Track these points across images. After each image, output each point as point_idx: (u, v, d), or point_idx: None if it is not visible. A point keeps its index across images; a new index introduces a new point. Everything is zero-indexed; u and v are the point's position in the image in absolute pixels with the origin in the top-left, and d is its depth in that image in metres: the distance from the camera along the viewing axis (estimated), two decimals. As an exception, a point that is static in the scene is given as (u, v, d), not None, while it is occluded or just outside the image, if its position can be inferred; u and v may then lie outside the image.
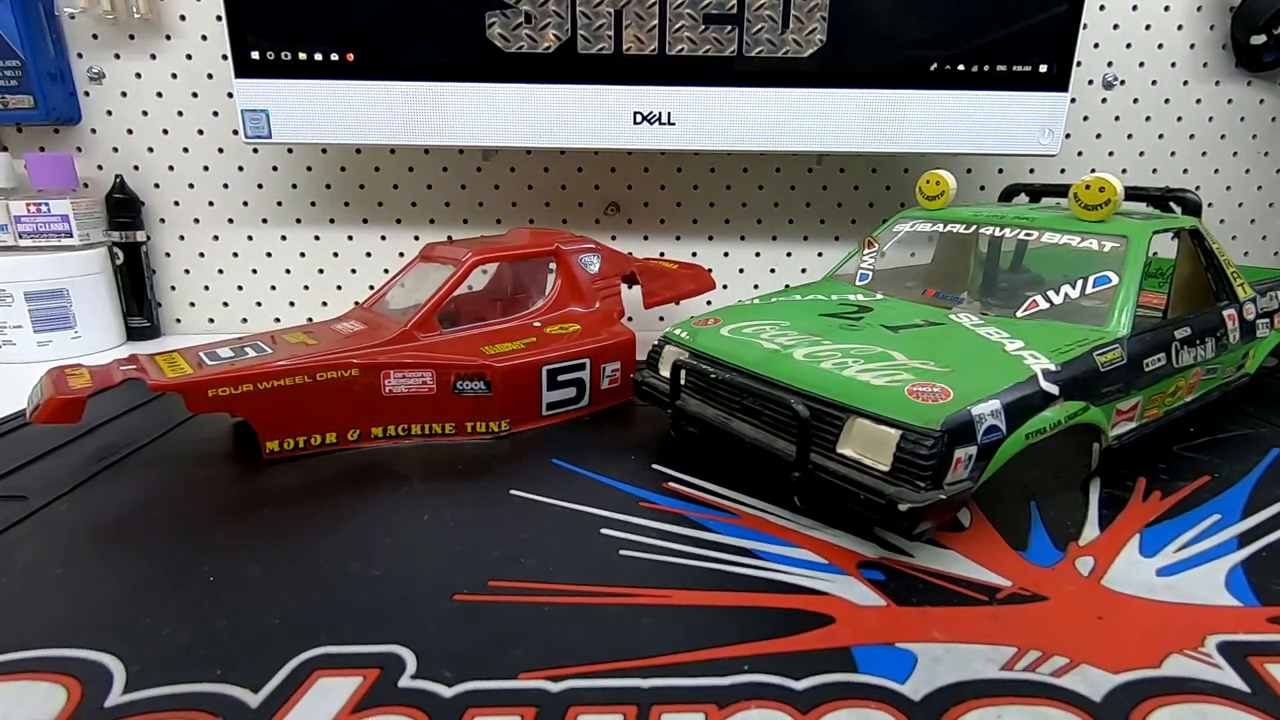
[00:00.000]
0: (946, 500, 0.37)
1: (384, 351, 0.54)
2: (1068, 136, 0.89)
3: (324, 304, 0.90)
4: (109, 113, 0.82)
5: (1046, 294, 0.50)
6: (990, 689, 0.30)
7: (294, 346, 0.54)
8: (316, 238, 0.88)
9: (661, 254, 0.91)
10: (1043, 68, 0.74)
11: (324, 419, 0.52)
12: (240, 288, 0.89)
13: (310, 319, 0.89)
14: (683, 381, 0.51)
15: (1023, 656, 0.31)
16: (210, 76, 0.82)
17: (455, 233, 0.89)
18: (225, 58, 0.73)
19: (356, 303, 0.61)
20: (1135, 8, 0.85)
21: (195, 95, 0.82)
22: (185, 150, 0.84)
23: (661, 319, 0.93)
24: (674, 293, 0.76)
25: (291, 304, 0.90)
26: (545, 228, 0.70)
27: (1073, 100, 0.79)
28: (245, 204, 0.87)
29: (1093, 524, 0.43)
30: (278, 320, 0.90)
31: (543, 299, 0.66)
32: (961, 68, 0.74)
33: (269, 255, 0.89)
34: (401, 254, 0.88)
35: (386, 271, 0.62)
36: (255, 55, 0.71)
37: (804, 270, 0.93)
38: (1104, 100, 0.88)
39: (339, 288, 0.90)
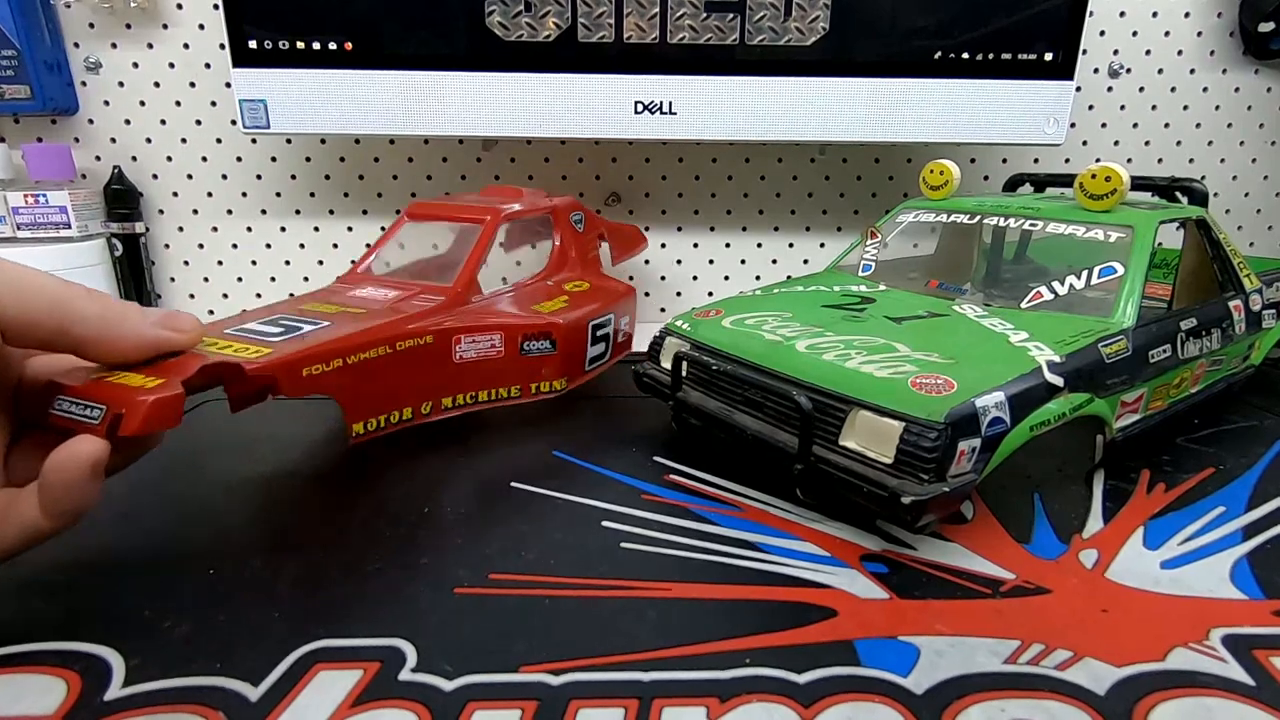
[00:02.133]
0: (950, 493, 0.36)
1: (449, 315, 0.51)
2: (1073, 126, 0.88)
3: (324, 295, 0.90)
4: (106, 103, 0.82)
5: (1051, 285, 0.49)
6: (993, 682, 0.29)
7: (341, 317, 0.48)
8: (316, 229, 0.88)
9: (663, 245, 0.91)
10: (1048, 56, 0.73)
11: (404, 393, 0.49)
12: (240, 279, 0.89)
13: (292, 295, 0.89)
14: (684, 373, 0.51)
15: (1026, 650, 0.31)
16: (208, 66, 0.81)
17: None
18: (223, 47, 0.72)
19: (339, 279, 0.58)
20: (1142, -5, 0.84)
21: (193, 85, 0.82)
22: (183, 141, 0.84)
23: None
24: (631, 249, 0.79)
25: (291, 295, 0.90)
26: (519, 186, 0.68)
27: (1078, 89, 0.78)
28: (244, 195, 0.86)
29: (1096, 516, 0.43)
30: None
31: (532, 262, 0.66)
32: (966, 56, 0.73)
33: (268, 246, 0.88)
34: (402, 246, 0.87)
35: (388, 265, 0.61)
36: (253, 44, 0.70)
37: (806, 261, 0.93)
38: (1109, 89, 0.87)
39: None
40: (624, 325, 0.63)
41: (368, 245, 0.86)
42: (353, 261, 0.61)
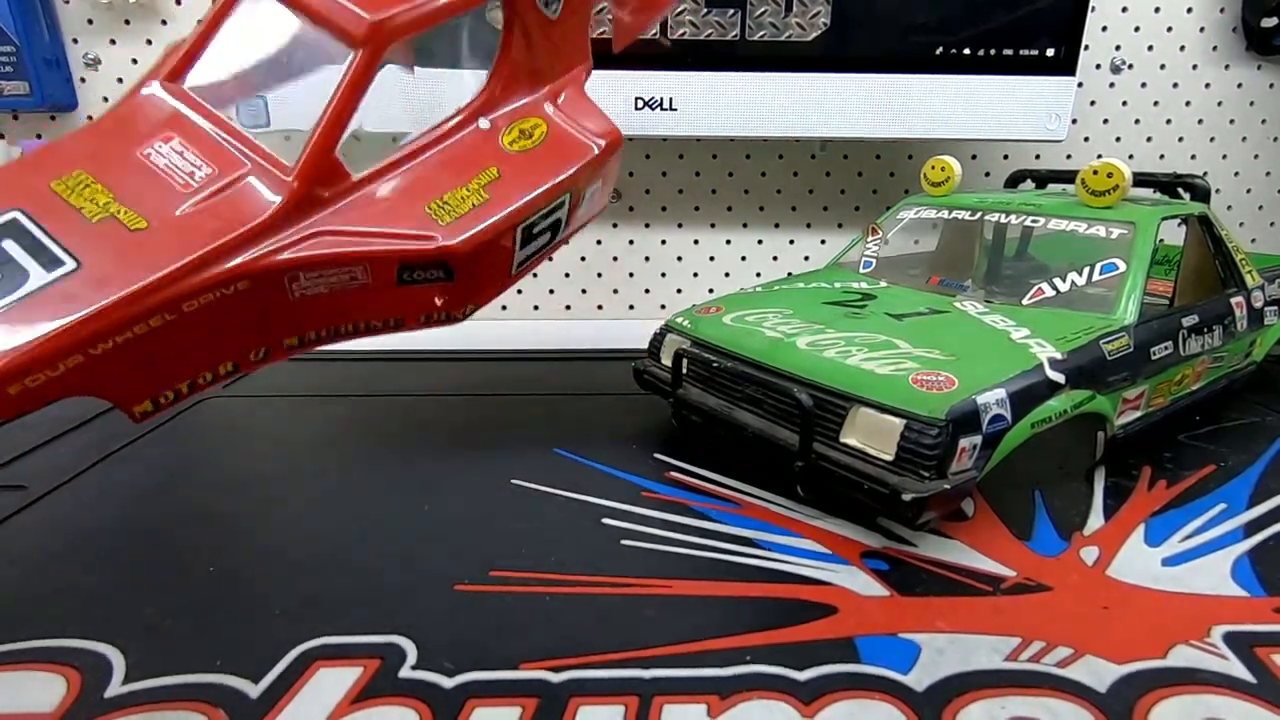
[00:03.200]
0: (951, 490, 0.36)
1: (277, 242, 0.35)
2: (1074, 122, 0.87)
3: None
4: (105, 99, 0.81)
5: (1053, 281, 0.49)
6: (994, 680, 0.29)
7: (106, 238, 0.32)
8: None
9: (663, 241, 0.91)
10: (1049, 52, 0.73)
11: (208, 355, 0.35)
12: (240, 276, 0.89)
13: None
14: (685, 370, 0.51)
15: (1027, 647, 0.31)
16: (207, 62, 0.81)
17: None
18: (222, 43, 0.72)
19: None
20: (1144, -10, 0.84)
21: (192, 81, 0.82)
22: (183, 137, 0.84)
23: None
24: (651, 13, 0.56)
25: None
26: None
27: (1080, 85, 0.78)
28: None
29: (1097, 514, 0.43)
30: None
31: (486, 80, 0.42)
32: (967, 52, 0.73)
33: (268, 243, 0.88)
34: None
35: (229, 75, 0.42)
36: (252, 40, 0.70)
37: (807, 258, 0.93)
38: (1111, 85, 0.87)
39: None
40: (591, 193, 0.44)
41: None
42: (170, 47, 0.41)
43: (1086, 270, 0.48)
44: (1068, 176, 0.60)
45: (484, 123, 0.42)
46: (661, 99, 0.73)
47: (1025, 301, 0.49)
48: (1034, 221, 0.54)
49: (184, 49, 0.40)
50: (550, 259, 0.48)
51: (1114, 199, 0.52)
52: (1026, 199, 0.57)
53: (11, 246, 0.29)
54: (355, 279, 0.37)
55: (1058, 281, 0.49)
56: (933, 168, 0.63)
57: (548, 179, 0.41)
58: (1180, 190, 0.59)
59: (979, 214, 0.57)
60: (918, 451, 0.37)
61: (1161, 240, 0.52)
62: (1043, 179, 0.69)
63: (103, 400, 0.33)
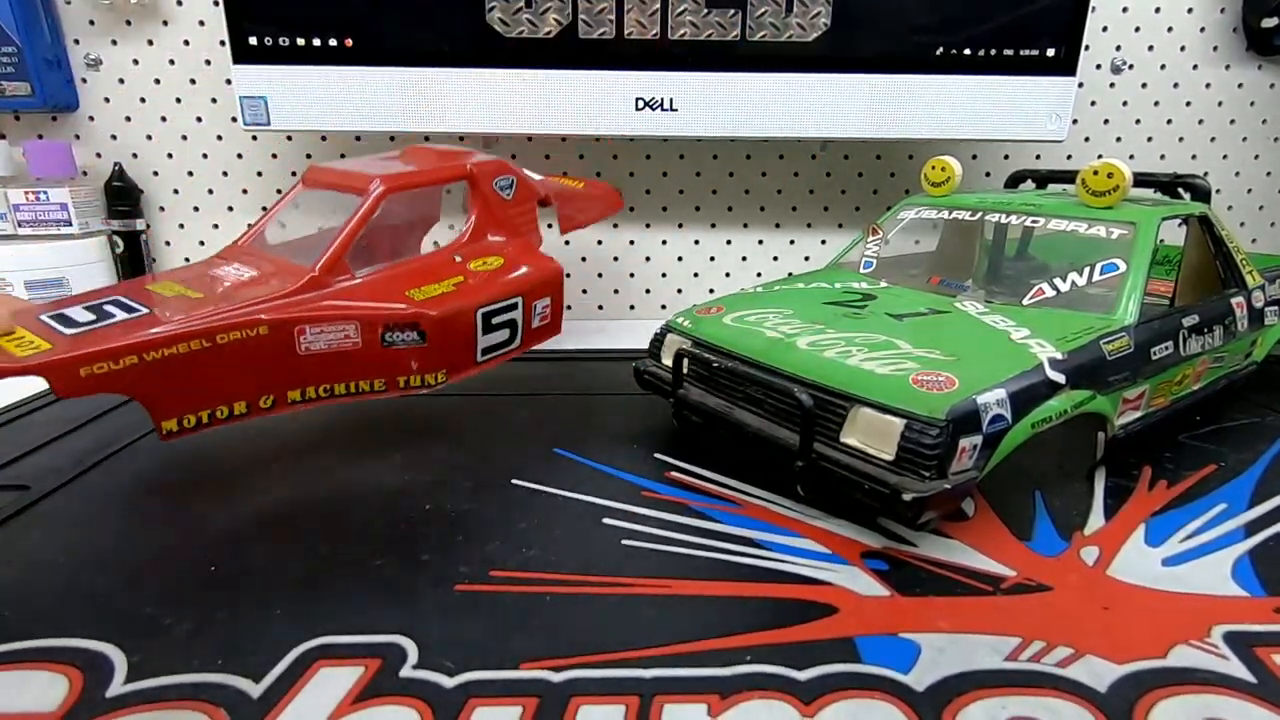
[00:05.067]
0: (951, 490, 0.36)
1: (295, 303, 0.46)
2: (1075, 122, 0.87)
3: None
4: (106, 100, 0.82)
5: (1053, 281, 0.49)
6: (994, 679, 0.29)
7: (173, 302, 0.45)
8: (319, 227, 0.88)
9: (664, 241, 0.91)
10: (1050, 52, 0.73)
11: (229, 388, 0.45)
12: (241, 276, 0.89)
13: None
14: (685, 370, 0.51)
15: (1027, 647, 0.31)
16: (208, 63, 0.81)
17: (458, 221, 0.88)
18: (223, 44, 0.72)
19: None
20: (1145, -10, 0.84)
21: (193, 82, 0.82)
22: (184, 138, 0.84)
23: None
24: (587, 216, 0.73)
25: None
26: (452, 146, 0.65)
27: (1080, 85, 0.78)
28: (245, 192, 0.86)
29: (1098, 513, 0.43)
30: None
31: (439, 232, 0.61)
32: (968, 52, 0.73)
33: (269, 244, 0.88)
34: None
35: (284, 230, 0.56)
36: (253, 41, 0.70)
37: (807, 258, 0.93)
38: (1112, 85, 0.87)
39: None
40: (541, 309, 0.57)
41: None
42: (249, 225, 0.57)
43: (1087, 270, 0.48)
44: (1068, 177, 0.60)
45: (456, 257, 0.57)
46: (662, 99, 0.73)
47: (1026, 302, 0.49)
48: (1034, 222, 0.54)
49: (253, 230, 0.57)
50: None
51: (1114, 199, 0.52)
52: (1027, 199, 0.57)
53: (110, 307, 0.44)
54: (349, 337, 0.48)
55: (1058, 282, 0.49)
56: (933, 168, 0.63)
57: (501, 286, 0.55)
58: (1180, 190, 0.59)
59: (979, 214, 0.57)
60: (918, 451, 0.37)
61: (1162, 240, 0.52)
62: (1043, 179, 0.69)
63: (142, 407, 0.42)
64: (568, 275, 0.84)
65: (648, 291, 0.92)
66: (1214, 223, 0.54)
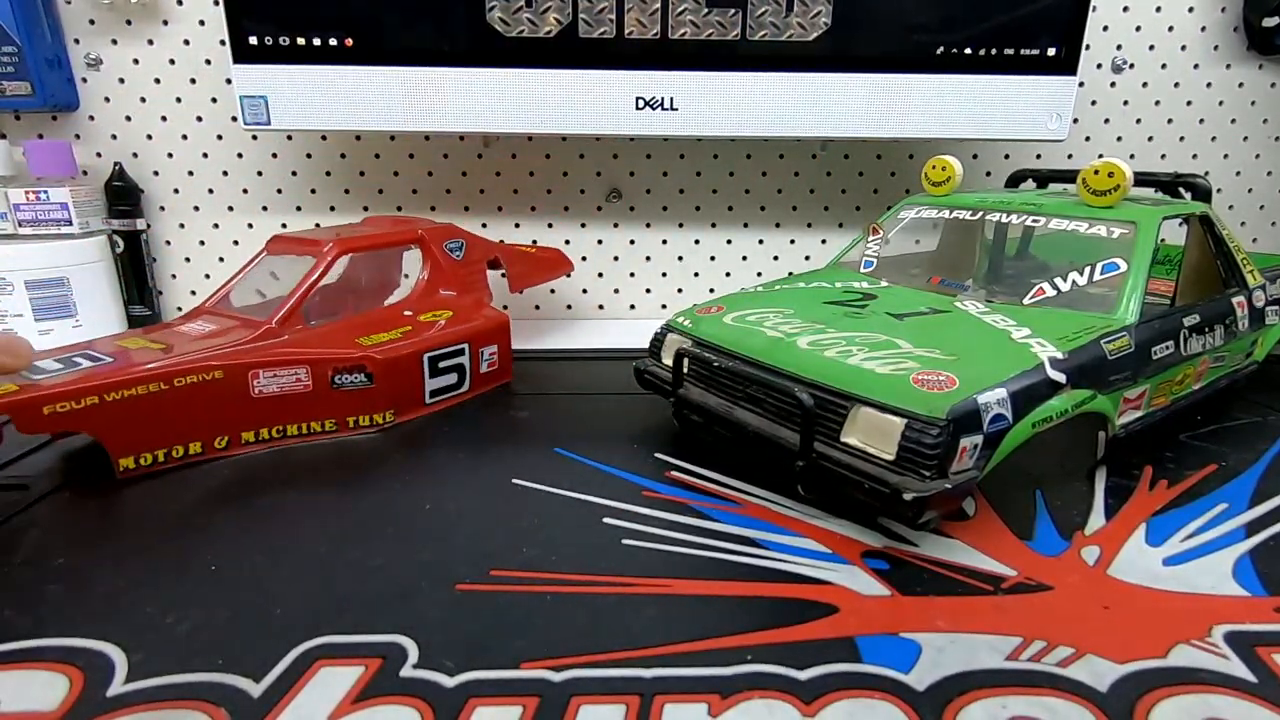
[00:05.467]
0: (952, 489, 0.36)
1: (249, 350, 0.50)
2: (1075, 121, 0.87)
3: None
4: (107, 99, 0.82)
5: (1054, 281, 0.49)
6: (995, 679, 0.29)
7: (136, 352, 0.49)
8: (317, 225, 0.88)
9: (664, 241, 0.91)
10: (1050, 51, 0.73)
11: (184, 428, 0.48)
12: (241, 276, 0.89)
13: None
14: (685, 370, 0.51)
15: (1028, 646, 0.31)
16: (208, 62, 0.81)
17: (458, 220, 0.88)
18: (223, 43, 0.72)
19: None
20: (1145, -11, 0.84)
21: (193, 81, 0.82)
22: (184, 137, 0.84)
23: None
24: (539, 275, 0.79)
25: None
26: (407, 215, 0.70)
27: (1081, 84, 0.78)
28: (245, 191, 0.86)
29: (1099, 513, 0.43)
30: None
31: (408, 288, 0.65)
32: (968, 51, 0.73)
33: (270, 243, 0.88)
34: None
35: (263, 296, 0.60)
36: (253, 40, 0.70)
37: (808, 258, 0.93)
38: (1113, 84, 0.87)
39: (340, 276, 0.89)
40: (489, 355, 0.62)
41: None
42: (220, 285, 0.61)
43: (1088, 270, 0.48)
44: (1069, 176, 0.60)
45: (407, 312, 0.62)
46: (662, 99, 0.73)
47: (1026, 301, 0.49)
48: (1035, 221, 0.54)
49: (217, 293, 0.60)
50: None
51: (1115, 198, 0.52)
52: (1027, 198, 0.57)
53: (79, 358, 0.48)
54: (300, 380, 0.51)
55: (1059, 281, 0.49)
56: (934, 167, 0.63)
57: (447, 334, 0.59)
58: (1181, 190, 0.58)
59: (980, 213, 0.57)
60: (918, 451, 0.37)
61: (1163, 240, 0.52)
62: (1044, 179, 0.69)
63: (101, 445, 0.45)
64: (566, 275, 0.84)
65: (648, 291, 0.92)
66: (1215, 222, 0.54)
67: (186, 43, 0.80)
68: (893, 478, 0.37)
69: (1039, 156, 0.90)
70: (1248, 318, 0.55)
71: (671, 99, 0.73)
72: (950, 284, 0.55)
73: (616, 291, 0.92)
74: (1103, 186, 0.52)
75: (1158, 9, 0.84)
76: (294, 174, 0.86)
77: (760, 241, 0.92)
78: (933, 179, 0.63)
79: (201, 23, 0.80)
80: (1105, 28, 0.85)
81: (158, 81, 0.82)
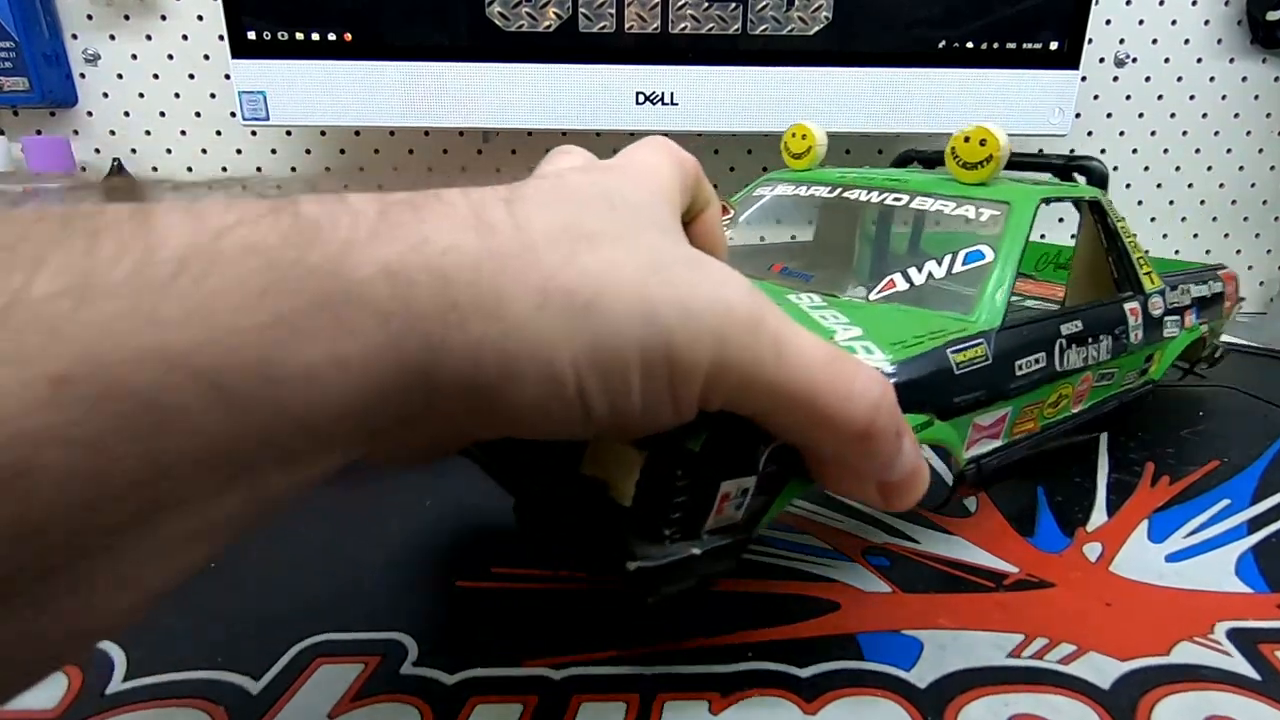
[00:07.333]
0: (699, 558, 0.26)
1: None
2: (1078, 116, 0.87)
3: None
4: (105, 95, 0.81)
5: (906, 272, 0.39)
6: (997, 676, 0.29)
7: None
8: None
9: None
10: (1053, 45, 0.73)
11: None
12: (241, 272, 0.89)
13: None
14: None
15: (1030, 643, 0.31)
16: (207, 58, 0.81)
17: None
18: (222, 38, 0.72)
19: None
20: (1149, -17, 0.83)
21: (192, 77, 0.81)
22: (183, 133, 0.83)
23: None
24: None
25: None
26: None
27: (1083, 78, 0.77)
28: (244, 188, 0.86)
29: (1100, 510, 0.42)
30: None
31: None
32: (970, 46, 0.72)
33: (269, 239, 0.88)
34: None
35: None
36: (252, 35, 0.70)
37: (808, 253, 0.92)
38: (1115, 78, 0.87)
39: (340, 272, 0.89)
40: None
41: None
42: None
43: (947, 260, 0.38)
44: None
45: None
46: (663, 94, 0.73)
47: (873, 296, 0.38)
48: (896, 200, 0.44)
49: None
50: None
51: (987, 173, 0.42)
52: (892, 174, 0.49)
53: None
54: None
55: (912, 272, 0.38)
56: (793, 135, 0.51)
57: None
58: (1076, 175, 0.50)
59: (838, 190, 0.46)
60: (661, 496, 0.24)
61: (1072, 236, 0.47)
62: (930, 160, 0.60)
63: None
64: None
65: (648, 287, 0.92)
66: (1107, 211, 0.45)
67: (185, 38, 0.80)
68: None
69: (1040, 151, 0.89)
70: (1141, 327, 0.45)
71: (672, 94, 0.73)
72: (793, 273, 0.45)
73: (617, 287, 0.92)
74: (973, 158, 0.42)
75: (1160, 3, 0.84)
76: (293, 169, 0.86)
77: (761, 238, 0.91)
78: (792, 149, 0.51)
79: (200, 18, 0.80)
80: (1108, 22, 0.84)
81: (156, 77, 0.81)
